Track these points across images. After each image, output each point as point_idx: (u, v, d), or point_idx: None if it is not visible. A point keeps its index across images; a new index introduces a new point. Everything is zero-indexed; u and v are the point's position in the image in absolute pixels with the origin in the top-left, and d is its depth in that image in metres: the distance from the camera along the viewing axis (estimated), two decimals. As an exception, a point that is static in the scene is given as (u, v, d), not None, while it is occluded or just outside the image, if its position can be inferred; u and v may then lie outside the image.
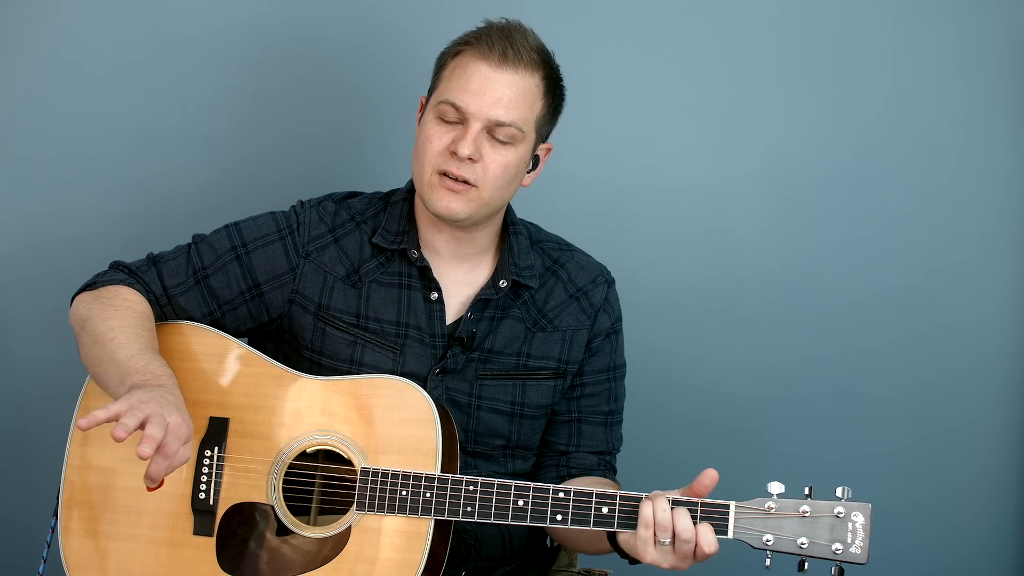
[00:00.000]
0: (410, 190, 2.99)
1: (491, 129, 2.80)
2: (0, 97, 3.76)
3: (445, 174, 2.81)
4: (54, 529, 2.85)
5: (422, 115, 2.92)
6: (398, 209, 2.98)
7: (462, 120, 2.81)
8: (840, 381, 4.00)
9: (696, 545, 2.54)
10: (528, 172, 2.96)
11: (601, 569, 3.13)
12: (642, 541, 2.58)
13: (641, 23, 3.91)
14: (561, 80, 2.93)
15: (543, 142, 2.96)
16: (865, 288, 3.98)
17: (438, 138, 2.82)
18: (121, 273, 2.90)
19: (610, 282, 3.09)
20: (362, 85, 3.80)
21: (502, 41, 2.81)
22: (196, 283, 2.90)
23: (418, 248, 2.93)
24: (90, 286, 2.89)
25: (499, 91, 2.80)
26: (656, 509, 2.55)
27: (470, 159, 2.79)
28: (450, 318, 2.95)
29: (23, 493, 3.82)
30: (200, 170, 3.82)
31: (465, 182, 2.80)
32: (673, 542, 2.55)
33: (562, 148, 3.79)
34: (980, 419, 4.04)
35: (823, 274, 3.98)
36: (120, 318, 2.79)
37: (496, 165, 2.82)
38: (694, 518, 2.55)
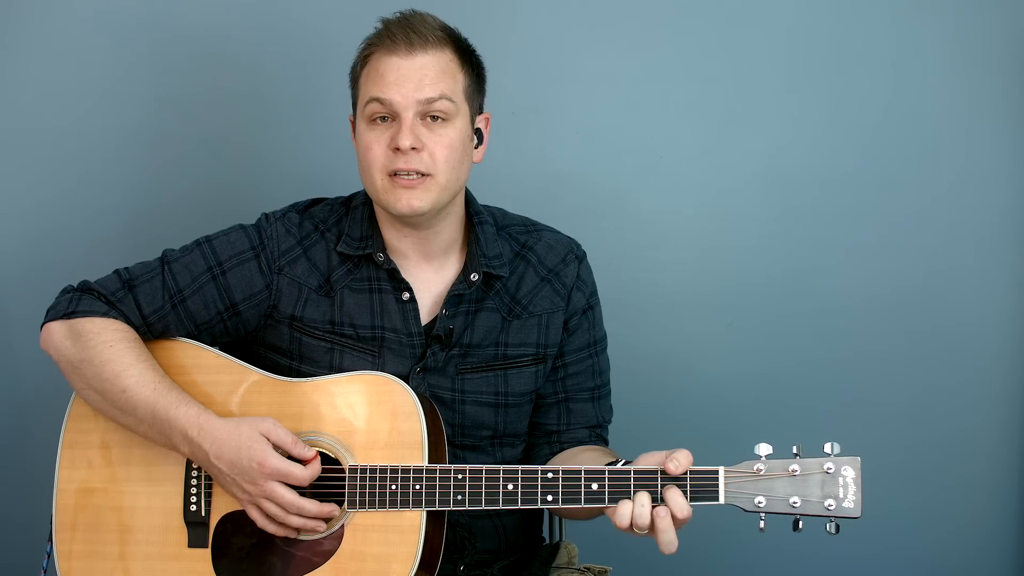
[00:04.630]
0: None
1: (423, 112, 2.79)
2: (1, 96, 3.79)
3: (395, 173, 2.79)
4: (50, 554, 2.84)
5: (355, 131, 2.92)
6: (359, 214, 2.96)
7: (393, 116, 2.79)
8: (840, 383, 3.98)
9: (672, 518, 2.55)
10: (476, 148, 2.94)
11: (602, 566, 3.08)
12: (624, 531, 2.60)
13: (641, 23, 3.91)
14: (474, 51, 2.91)
15: (479, 114, 2.94)
16: (866, 290, 3.97)
17: (376, 141, 2.81)
18: (99, 302, 2.85)
19: (580, 257, 3.06)
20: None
21: (404, 31, 2.80)
22: (173, 307, 2.87)
23: (384, 251, 2.91)
24: (67, 315, 2.84)
25: (417, 74, 2.78)
26: (635, 516, 2.56)
27: (413, 149, 2.77)
28: (425, 317, 2.93)
29: (23, 493, 3.82)
30: (199, 170, 3.84)
31: (418, 173, 2.78)
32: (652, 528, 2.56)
33: (562, 148, 3.86)
34: (980, 421, 4.02)
35: (823, 275, 3.96)
36: (118, 362, 2.78)
37: (441, 147, 2.80)
38: (683, 491, 2.56)
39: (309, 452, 2.69)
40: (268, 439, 2.66)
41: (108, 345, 2.79)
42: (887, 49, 3.93)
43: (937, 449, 3.99)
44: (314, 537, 2.72)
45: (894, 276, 3.95)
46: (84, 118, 3.80)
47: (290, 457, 2.68)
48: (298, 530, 2.71)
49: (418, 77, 2.78)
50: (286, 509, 2.67)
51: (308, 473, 2.67)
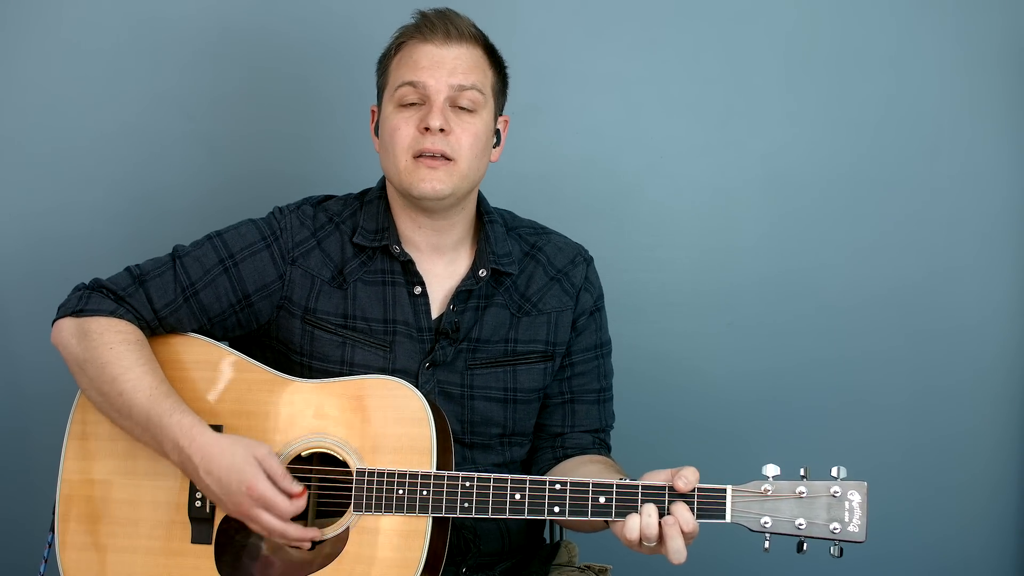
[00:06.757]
0: (383, 187, 3.01)
1: (454, 99, 2.85)
2: (1, 96, 3.78)
3: (420, 155, 2.83)
4: (51, 544, 2.85)
5: (378, 118, 2.97)
6: (374, 207, 2.99)
7: (423, 100, 2.85)
8: (840, 383, 3.98)
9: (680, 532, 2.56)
10: (494, 147, 2.99)
11: (602, 564, 3.11)
12: (632, 548, 2.62)
13: (641, 23, 3.91)
14: (501, 56, 2.99)
15: (500, 115, 3.00)
16: (866, 290, 3.97)
17: (405, 123, 2.86)
18: (108, 300, 2.85)
19: (588, 260, 3.10)
20: (362, 87, 3.81)
21: (441, 22, 2.88)
22: (185, 300, 2.87)
23: (399, 243, 2.94)
24: (76, 312, 2.84)
25: (450, 63, 2.86)
26: (644, 527, 2.57)
27: (442, 131, 2.82)
28: (435, 312, 2.95)
29: (23, 493, 3.81)
30: (199, 169, 3.82)
31: (443, 156, 2.83)
32: (660, 538, 2.57)
33: (562, 148, 3.85)
34: (980, 421, 4.03)
35: (823, 275, 3.97)
36: (117, 364, 2.78)
37: (467, 135, 2.86)
38: (690, 508, 2.56)
39: (297, 487, 2.68)
40: (261, 465, 2.67)
41: (109, 347, 2.79)
42: (887, 49, 3.93)
43: (937, 449, 4.00)
44: (318, 539, 2.72)
45: (894, 276, 3.95)
46: (84, 120, 3.79)
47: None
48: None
49: (452, 65, 2.85)
50: (270, 534, 2.69)
51: (292, 508, 2.67)
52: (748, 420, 3.94)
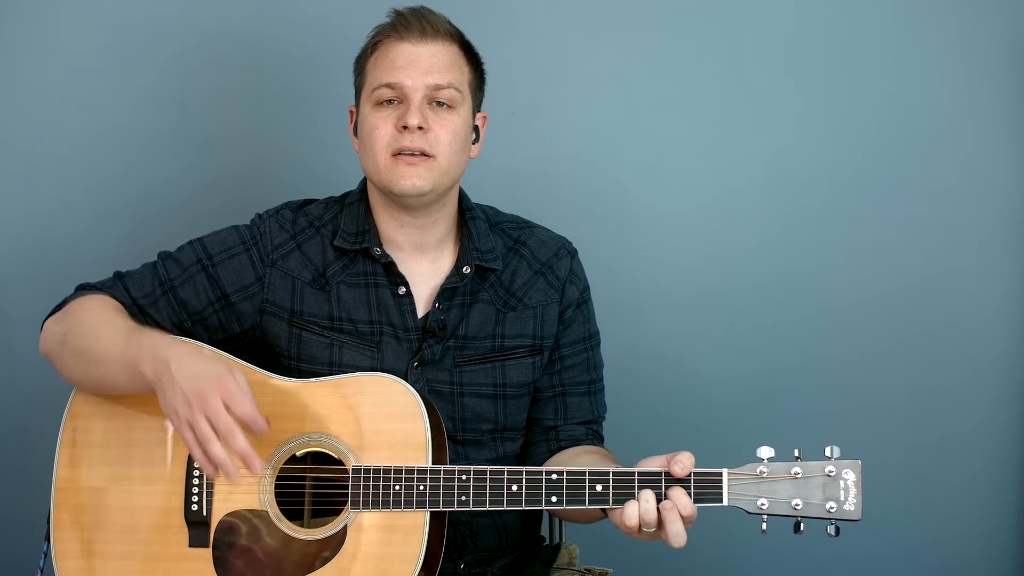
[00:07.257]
0: (363, 190, 3.02)
1: (431, 97, 2.86)
2: (0, 97, 3.79)
3: (400, 152, 2.84)
4: (46, 554, 2.84)
5: (356, 118, 2.98)
6: (355, 210, 2.99)
7: (401, 98, 2.86)
8: (841, 384, 3.98)
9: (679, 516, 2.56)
10: (473, 143, 3.00)
11: (603, 568, 3.09)
12: (632, 536, 2.62)
13: (642, 23, 3.93)
14: (477, 52, 3.00)
15: (478, 111, 3.01)
16: (866, 290, 3.97)
17: (383, 122, 2.86)
18: (88, 291, 2.91)
19: (572, 253, 3.10)
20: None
21: (417, 20, 2.88)
22: (163, 293, 2.89)
23: (380, 245, 2.94)
24: (58, 307, 2.90)
25: (427, 61, 2.86)
26: (642, 513, 2.57)
27: (420, 128, 2.83)
28: (421, 311, 2.95)
29: (23, 493, 3.79)
30: (199, 171, 3.84)
31: (423, 154, 2.83)
32: (659, 523, 2.57)
33: (562, 147, 3.87)
34: (980, 422, 4.02)
35: (824, 276, 3.97)
36: (96, 317, 2.80)
37: (446, 131, 2.86)
38: (687, 492, 2.57)
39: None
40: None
41: (88, 310, 2.82)
42: (888, 49, 3.94)
43: (937, 450, 3.99)
44: (315, 537, 2.71)
45: (894, 277, 3.95)
46: (84, 120, 3.80)
47: None
48: (216, 469, 2.57)
49: (428, 63, 2.85)
50: (217, 432, 2.55)
51: (254, 411, 2.55)
52: (748, 421, 3.93)
